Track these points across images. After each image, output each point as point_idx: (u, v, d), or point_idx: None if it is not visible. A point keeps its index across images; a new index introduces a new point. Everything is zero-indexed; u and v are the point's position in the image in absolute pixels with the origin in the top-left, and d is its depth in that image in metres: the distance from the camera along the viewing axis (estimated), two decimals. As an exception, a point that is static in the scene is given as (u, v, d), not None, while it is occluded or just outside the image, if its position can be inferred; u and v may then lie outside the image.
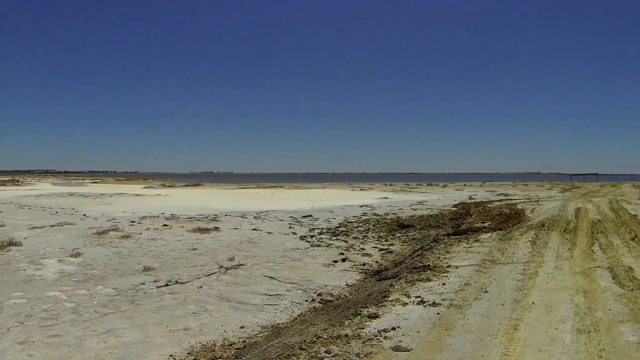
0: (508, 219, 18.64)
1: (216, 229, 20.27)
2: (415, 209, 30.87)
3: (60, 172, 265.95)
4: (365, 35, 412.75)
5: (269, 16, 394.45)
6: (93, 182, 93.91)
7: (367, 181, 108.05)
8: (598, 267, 9.92)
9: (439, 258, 11.58)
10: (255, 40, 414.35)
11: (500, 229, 16.12)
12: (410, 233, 19.47)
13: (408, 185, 79.03)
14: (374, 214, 27.72)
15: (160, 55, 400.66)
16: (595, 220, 17.64)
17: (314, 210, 30.79)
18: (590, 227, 15.94)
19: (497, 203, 30.01)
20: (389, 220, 23.88)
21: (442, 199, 41.91)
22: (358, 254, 15.13)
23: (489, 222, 18.18)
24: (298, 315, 8.95)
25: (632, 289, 8.11)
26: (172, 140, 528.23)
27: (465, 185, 79.02)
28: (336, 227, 21.72)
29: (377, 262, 13.91)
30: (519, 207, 25.13)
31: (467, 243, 13.69)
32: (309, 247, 16.28)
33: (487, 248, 12.68)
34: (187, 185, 78.14)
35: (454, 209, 29.77)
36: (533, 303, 7.49)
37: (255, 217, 25.47)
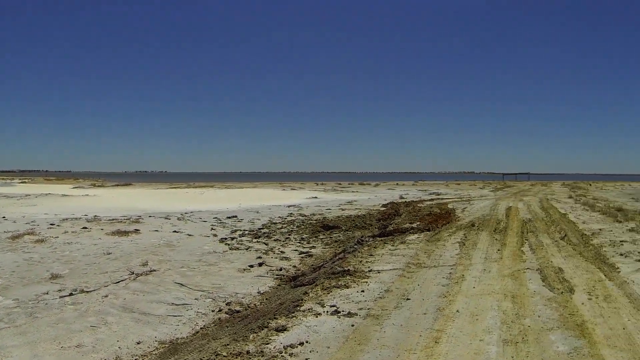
0: (437, 219, 18.50)
1: (136, 231, 19.31)
2: (343, 209, 30.62)
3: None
4: (366, 35, 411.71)
5: (269, 16, 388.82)
6: (22, 182, 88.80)
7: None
8: (527, 269, 9.72)
9: (360, 262, 11.09)
10: (254, 39, 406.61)
11: (429, 230, 15.88)
12: (335, 235, 19.06)
13: (340, 184, 79.06)
14: (300, 215, 27.26)
15: (129, 51, 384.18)
16: (526, 220, 17.76)
17: (240, 210, 30.10)
18: (521, 226, 15.98)
19: (428, 202, 30.15)
20: (314, 221, 23.45)
21: (372, 198, 41.93)
22: (277, 257, 14.53)
23: (418, 223, 17.94)
24: (201, 328, 8.51)
25: (562, 292, 7.89)
26: (109, 139, 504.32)
27: (397, 184, 79.86)
28: (259, 229, 21.08)
29: (295, 266, 13.35)
30: (449, 206, 25.24)
31: (393, 245, 13.31)
32: (227, 251, 15.65)
33: (414, 250, 12.33)
34: (117, 185, 75.58)
35: (383, 208, 29.72)
36: (457, 311, 7.07)
37: (179, 219, 24.48)
